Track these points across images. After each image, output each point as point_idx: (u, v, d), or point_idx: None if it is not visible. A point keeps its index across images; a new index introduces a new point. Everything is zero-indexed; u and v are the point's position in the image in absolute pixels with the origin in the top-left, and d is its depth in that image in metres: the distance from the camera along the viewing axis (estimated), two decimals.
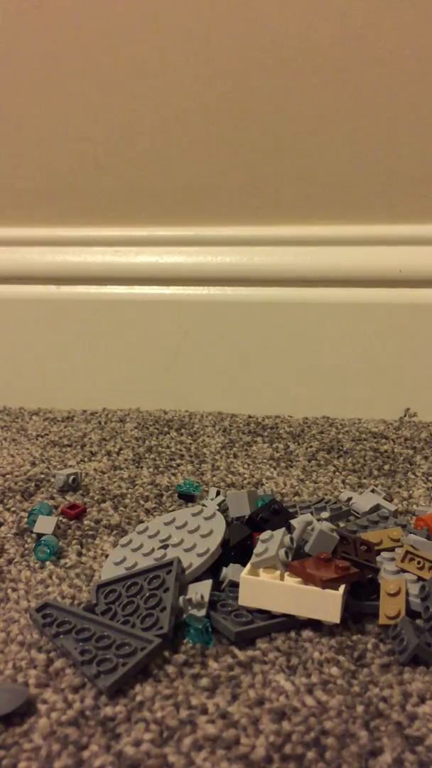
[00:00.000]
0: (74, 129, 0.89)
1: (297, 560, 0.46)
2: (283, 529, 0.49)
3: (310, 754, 0.35)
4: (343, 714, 0.38)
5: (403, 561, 0.48)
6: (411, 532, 0.54)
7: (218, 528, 0.51)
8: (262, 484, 0.68)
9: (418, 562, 0.48)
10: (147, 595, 0.46)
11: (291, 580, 0.45)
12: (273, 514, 0.54)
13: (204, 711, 0.38)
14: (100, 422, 0.86)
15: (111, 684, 0.39)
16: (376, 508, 0.61)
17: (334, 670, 0.41)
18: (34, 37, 0.87)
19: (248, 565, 0.47)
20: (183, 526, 0.53)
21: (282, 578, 0.45)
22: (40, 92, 0.88)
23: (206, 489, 0.67)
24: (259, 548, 0.47)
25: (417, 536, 0.52)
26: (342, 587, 0.44)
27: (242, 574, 0.46)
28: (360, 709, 0.38)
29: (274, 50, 0.82)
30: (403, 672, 0.41)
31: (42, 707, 0.39)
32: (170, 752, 0.35)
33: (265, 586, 0.45)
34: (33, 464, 0.72)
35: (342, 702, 0.39)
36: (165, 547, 0.51)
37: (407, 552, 0.48)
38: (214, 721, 0.37)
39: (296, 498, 0.65)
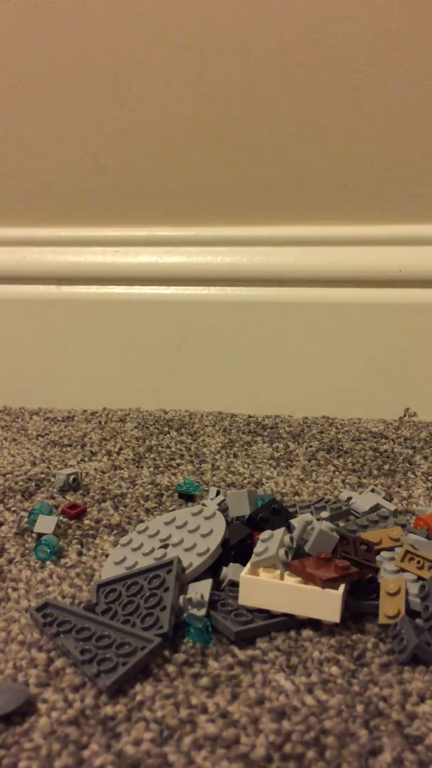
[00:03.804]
0: (75, 129, 0.89)
1: (297, 560, 0.46)
2: (283, 528, 0.49)
3: (310, 754, 0.35)
4: (342, 713, 0.38)
5: (402, 560, 0.48)
6: (411, 532, 0.54)
7: (218, 527, 0.51)
8: (262, 484, 0.68)
9: (418, 562, 0.48)
10: (147, 594, 0.46)
11: (291, 580, 0.45)
12: (273, 513, 0.54)
13: (204, 710, 0.38)
14: (100, 422, 0.86)
15: (111, 683, 0.39)
16: (376, 507, 0.61)
17: (334, 670, 0.41)
18: (34, 37, 0.87)
19: (248, 565, 0.47)
20: (183, 526, 0.53)
21: (282, 578, 0.45)
22: (41, 92, 0.88)
23: (206, 489, 0.67)
24: (259, 548, 0.48)
25: (417, 536, 0.52)
26: (342, 587, 0.44)
27: (242, 574, 0.46)
28: (360, 708, 0.38)
29: (274, 50, 0.82)
30: (403, 671, 0.41)
31: (42, 706, 0.39)
32: (170, 751, 0.35)
33: (265, 586, 0.45)
34: (33, 464, 0.72)
35: (342, 701, 0.39)
36: (165, 546, 0.51)
37: (407, 551, 0.48)
38: (214, 720, 0.37)
39: (296, 498, 0.65)
